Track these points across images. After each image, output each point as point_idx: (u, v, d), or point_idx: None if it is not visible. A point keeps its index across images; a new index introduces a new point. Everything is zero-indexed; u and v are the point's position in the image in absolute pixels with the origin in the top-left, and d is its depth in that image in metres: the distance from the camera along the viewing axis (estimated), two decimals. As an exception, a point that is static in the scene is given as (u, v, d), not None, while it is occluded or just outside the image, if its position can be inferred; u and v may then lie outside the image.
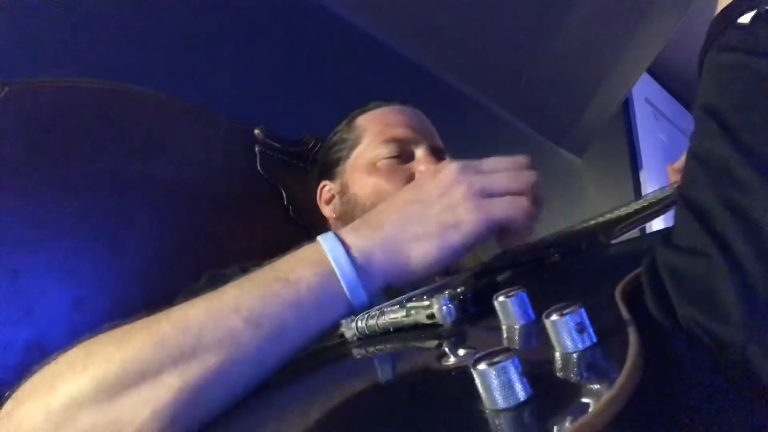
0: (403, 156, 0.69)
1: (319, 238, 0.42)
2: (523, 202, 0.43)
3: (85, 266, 0.58)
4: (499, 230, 0.44)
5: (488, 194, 0.43)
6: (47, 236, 0.57)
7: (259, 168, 0.79)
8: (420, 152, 0.69)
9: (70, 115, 0.62)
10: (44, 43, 0.72)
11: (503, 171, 0.45)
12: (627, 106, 2.27)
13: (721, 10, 0.33)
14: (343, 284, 0.39)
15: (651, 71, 2.39)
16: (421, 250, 0.41)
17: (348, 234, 0.42)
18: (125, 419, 0.33)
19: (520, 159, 0.46)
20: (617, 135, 2.22)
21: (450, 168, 0.44)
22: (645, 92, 2.39)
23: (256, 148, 0.80)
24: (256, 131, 0.81)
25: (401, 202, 0.44)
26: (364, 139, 0.72)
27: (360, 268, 0.40)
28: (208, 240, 0.70)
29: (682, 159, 0.70)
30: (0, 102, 0.57)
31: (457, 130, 1.32)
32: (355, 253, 0.40)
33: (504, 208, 0.42)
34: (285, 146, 0.84)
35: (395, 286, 0.43)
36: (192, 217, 0.69)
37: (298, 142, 0.86)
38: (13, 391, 0.36)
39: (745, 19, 0.31)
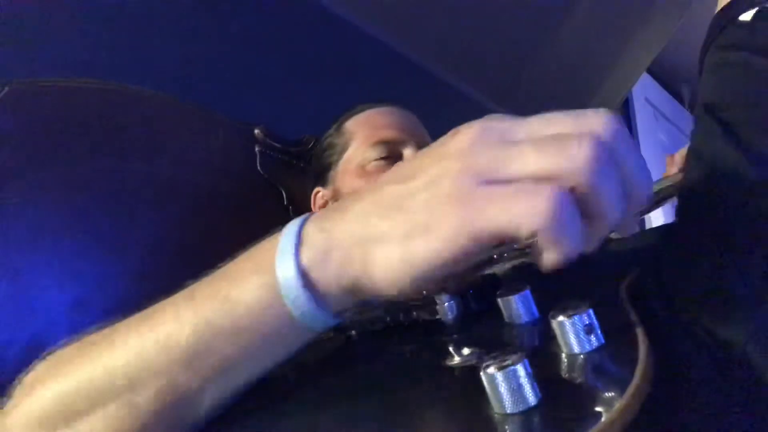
0: (393, 157, 0.69)
1: (289, 224, 0.32)
2: (544, 195, 0.23)
3: (85, 266, 0.58)
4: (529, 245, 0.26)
5: (496, 179, 0.25)
6: (47, 236, 0.56)
7: (259, 168, 0.79)
8: (408, 152, 0.69)
9: (70, 115, 0.62)
10: (44, 43, 0.71)
11: (544, 138, 0.25)
12: (627, 106, 2.26)
13: (722, 8, 0.33)
14: (288, 305, 0.29)
15: (651, 71, 2.39)
16: (383, 257, 0.27)
17: (314, 223, 0.31)
18: None
19: (591, 116, 0.26)
20: (617, 135, 2.22)
21: (473, 126, 0.27)
22: (645, 92, 2.39)
23: (256, 148, 0.80)
24: (256, 131, 0.81)
25: (389, 176, 0.30)
26: (353, 142, 0.73)
27: (311, 281, 0.29)
28: (208, 240, 0.69)
29: (682, 151, 0.70)
30: (0, 102, 0.56)
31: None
32: (308, 254, 0.29)
33: (505, 207, 0.24)
34: (285, 146, 0.84)
35: (362, 301, 0.30)
36: (192, 217, 0.69)
37: (298, 142, 0.86)
38: (11, 393, 0.36)
39: (746, 16, 0.31)
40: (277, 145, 0.82)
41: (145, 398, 0.32)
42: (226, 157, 0.75)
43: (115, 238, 0.61)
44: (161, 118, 0.71)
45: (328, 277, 0.29)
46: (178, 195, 0.69)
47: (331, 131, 0.77)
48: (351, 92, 1.09)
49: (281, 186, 0.80)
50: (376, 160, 0.68)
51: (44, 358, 0.37)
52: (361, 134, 0.72)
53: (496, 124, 0.27)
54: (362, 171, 0.69)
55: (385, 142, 0.69)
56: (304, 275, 0.29)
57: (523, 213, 0.23)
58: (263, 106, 0.96)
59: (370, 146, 0.69)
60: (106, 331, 0.36)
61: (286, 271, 0.29)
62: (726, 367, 0.24)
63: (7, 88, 0.57)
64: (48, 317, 0.54)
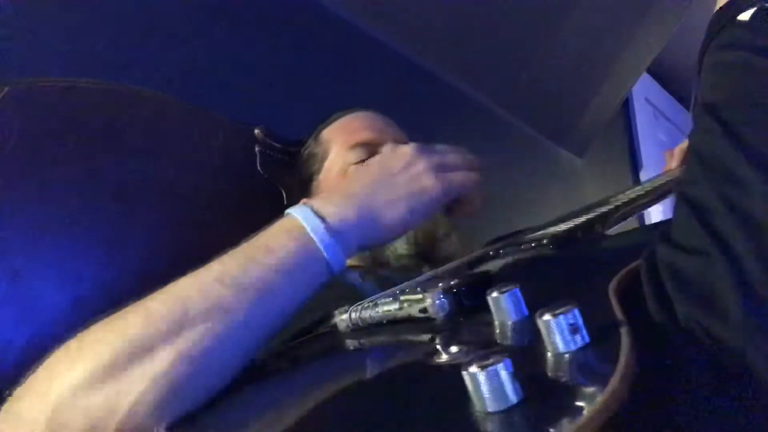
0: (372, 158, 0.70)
1: (291, 210, 0.44)
2: (473, 176, 0.51)
3: (85, 266, 0.58)
4: (453, 200, 0.51)
5: (445, 169, 0.49)
6: (47, 236, 0.57)
7: (259, 168, 0.79)
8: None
9: (70, 115, 0.62)
10: (44, 43, 0.71)
11: (453, 153, 0.52)
12: (627, 106, 2.26)
13: (721, 7, 0.33)
14: (320, 248, 0.42)
15: (651, 71, 2.39)
16: (393, 213, 0.46)
17: (320, 203, 0.45)
18: (122, 394, 0.34)
19: (461, 149, 0.54)
20: (617, 135, 2.22)
21: (409, 147, 0.50)
22: (645, 92, 2.39)
23: (256, 148, 0.80)
24: (256, 131, 0.81)
25: (368, 175, 0.48)
26: (332, 150, 0.74)
27: (335, 231, 0.42)
28: (208, 240, 0.69)
29: (681, 145, 0.70)
30: (0, 102, 0.57)
31: (456, 130, 1.32)
32: (329, 218, 0.43)
33: (461, 180, 0.49)
34: (285, 146, 0.84)
35: (370, 247, 0.47)
36: (192, 217, 0.69)
37: (298, 142, 0.86)
38: (12, 391, 0.36)
39: (745, 16, 0.31)
40: (277, 145, 0.82)
41: (201, 327, 0.36)
42: (226, 157, 0.76)
43: (115, 238, 0.61)
44: (161, 118, 0.71)
45: (348, 231, 0.43)
46: (178, 195, 0.69)
47: (309, 143, 0.79)
48: (351, 92, 1.10)
49: (281, 186, 0.80)
50: (356, 162, 0.69)
51: (53, 352, 0.38)
52: (338, 140, 0.74)
53: (421, 145, 0.51)
54: (344, 175, 0.70)
55: (362, 144, 0.71)
56: (327, 227, 0.42)
57: (469, 181, 0.50)
58: (263, 106, 0.96)
59: (349, 149, 0.71)
60: (133, 303, 0.39)
61: (316, 226, 0.42)
62: (724, 367, 0.24)
63: (7, 88, 0.57)
64: (48, 317, 0.54)
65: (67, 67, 0.73)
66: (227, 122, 0.77)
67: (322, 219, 0.43)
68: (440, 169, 0.49)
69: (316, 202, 0.45)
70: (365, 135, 0.72)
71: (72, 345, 0.37)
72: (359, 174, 0.49)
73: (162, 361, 0.35)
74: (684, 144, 0.70)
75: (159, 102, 0.71)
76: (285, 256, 0.41)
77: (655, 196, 0.51)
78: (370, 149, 0.70)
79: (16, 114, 0.57)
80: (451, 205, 0.53)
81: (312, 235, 0.42)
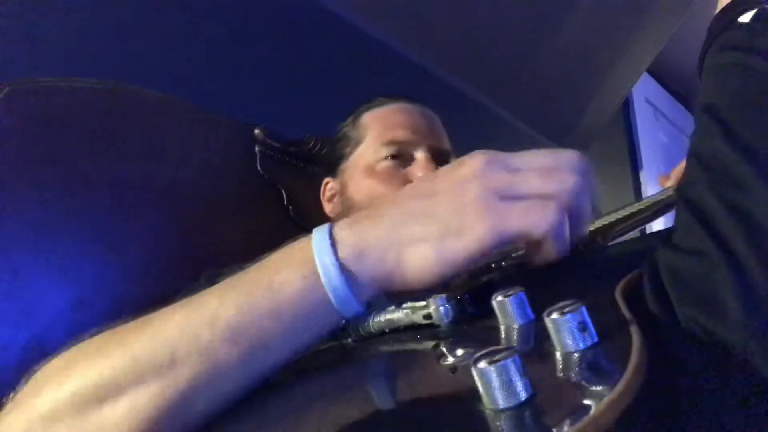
0: (403, 159, 0.69)
1: (315, 231, 0.37)
2: (550, 209, 0.33)
3: (85, 266, 0.58)
4: (524, 243, 0.35)
5: (510, 196, 0.34)
6: (47, 236, 0.57)
7: (259, 168, 0.79)
8: (420, 155, 0.69)
9: (70, 115, 0.62)
10: (44, 43, 0.71)
11: (538, 168, 0.35)
12: (627, 106, 2.26)
13: (721, 9, 0.33)
14: (328, 291, 0.34)
15: (651, 71, 2.39)
16: (418, 256, 0.34)
17: (343, 228, 0.36)
18: (103, 426, 0.33)
19: (567, 155, 0.36)
20: (617, 135, 2.22)
21: (475, 158, 0.35)
22: (645, 92, 2.39)
23: (256, 148, 0.80)
24: (256, 131, 0.81)
25: (409, 193, 0.37)
26: (366, 138, 0.72)
27: (348, 271, 0.34)
28: (208, 240, 0.70)
29: (676, 169, 0.70)
30: (0, 102, 0.57)
31: (456, 130, 1.32)
32: (344, 252, 0.34)
33: (523, 216, 0.33)
34: (285, 146, 0.84)
35: (389, 294, 0.37)
36: (192, 217, 0.69)
37: (298, 142, 0.86)
38: (11, 392, 0.36)
39: (745, 18, 0.31)
40: (277, 145, 0.82)
41: (186, 373, 0.34)
42: (226, 157, 0.76)
43: (115, 238, 0.61)
44: (161, 118, 0.71)
45: (363, 271, 0.34)
46: (178, 195, 0.69)
47: (347, 122, 0.77)
48: (351, 92, 1.09)
49: (281, 186, 0.81)
50: (385, 159, 0.68)
51: (48, 361, 0.37)
52: (375, 130, 0.72)
53: (496, 156, 0.35)
54: (371, 170, 0.69)
55: (397, 143, 0.69)
56: (342, 267, 0.34)
57: (536, 220, 0.32)
58: (263, 106, 0.96)
59: (382, 144, 0.69)
60: (136, 321, 0.37)
61: (327, 264, 0.34)
62: (726, 367, 0.24)
63: (7, 88, 0.57)
64: (48, 317, 0.54)
65: (67, 67, 0.73)
66: (227, 122, 0.77)
67: (337, 256, 0.34)
68: (501, 195, 0.33)
69: (341, 228, 0.36)
70: (402, 134, 0.70)
71: (58, 365, 0.37)
72: (399, 194, 0.37)
73: (146, 401, 0.34)
74: (679, 167, 0.68)
75: (159, 102, 0.71)
76: (288, 300, 0.34)
77: (657, 209, 0.51)
78: (403, 149, 0.69)
79: (16, 114, 0.57)
80: (507, 249, 0.41)
81: (322, 277, 0.34)
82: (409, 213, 0.35)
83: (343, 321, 0.36)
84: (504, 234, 0.33)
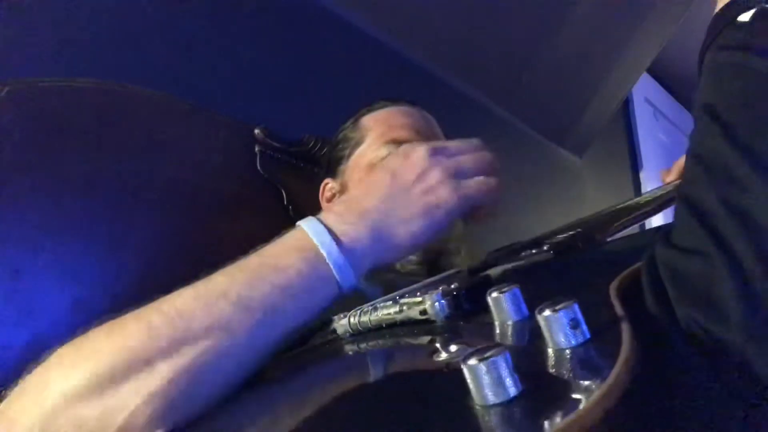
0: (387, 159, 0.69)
1: (302, 224, 0.43)
2: (492, 182, 0.47)
3: (85, 266, 0.58)
4: (471, 209, 0.47)
5: (461, 176, 0.46)
6: (47, 236, 0.57)
7: (259, 168, 0.79)
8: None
9: (70, 115, 0.62)
10: (44, 43, 0.71)
11: (468, 153, 0.48)
12: (627, 106, 2.26)
13: (721, 9, 0.33)
14: (332, 269, 0.40)
15: (651, 71, 2.39)
16: (408, 231, 0.44)
17: (332, 219, 0.43)
18: (118, 408, 0.33)
19: (476, 141, 0.51)
20: (617, 135, 2.22)
21: (420, 152, 0.46)
22: (645, 92, 2.39)
23: (256, 148, 0.80)
24: (256, 131, 0.81)
25: (381, 188, 0.45)
26: (367, 139, 0.73)
27: (347, 252, 0.41)
28: (208, 240, 0.70)
29: (678, 162, 0.70)
30: (0, 102, 0.57)
31: (457, 130, 1.32)
32: (342, 238, 0.42)
33: (478, 188, 0.46)
34: (285, 146, 0.84)
35: (382, 266, 0.45)
36: (192, 217, 0.69)
37: (298, 142, 0.86)
38: (9, 391, 0.36)
39: (745, 17, 0.31)
40: (277, 145, 0.82)
41: (202, 345, 0.35)
42: (226, 157, 0.76)
43: (115, 238, 0.61)
44: (161, 118, 0.71)
45: (361, 252, 0.42)
46: (178, 195, 0.69)
47: (347, 124, 0.77)
48: (351, 92, 1.09)
49: (281, 186, 0.81)
50: (385, 158, 0.68)
51: (53, 351, 0.37)
52: (375, 131, 0.73)
53: (434, 147, 0.47)
54: (371, 170, 0.69)
55: (398, 143, 0.69)
56: (341, 247, 0.41)
57: (487, 191, 0.47)
58: (263, 106, 0.96)
59: (383, 145, 0.70)
60: (146, 306, 0.39)
61: (327, 245, 0.41)
62: (724, 367, 0.24)
63: (7, 88, 0.57)
64: (48, 317, 0.54)
65: (67, 67, 0.73)
66: (227, 122, 0.78)
67: (335, 238, 0.41)
68: (456, 176, 0.46)
69: (329, 217, 0.43)
70: (402, 135, 0.70)
71: (68, 351, 0.37)
72: (372, 187, 0.46)
73: (160, 378, 0.34)
74: (681, 160, 0.69)
75: (159, 102, 0.71)
76: (295, 276, 0.39)
77: (656, 205, 0.51)
78: None
79: (16, 114, 0.57)
80: (469, 212, 0.51)
81: (324, 255, 0.40)
82: (390, 202, 0.44)
83: (341, 291, 0.41)
84: (469, 201, 0.46)
